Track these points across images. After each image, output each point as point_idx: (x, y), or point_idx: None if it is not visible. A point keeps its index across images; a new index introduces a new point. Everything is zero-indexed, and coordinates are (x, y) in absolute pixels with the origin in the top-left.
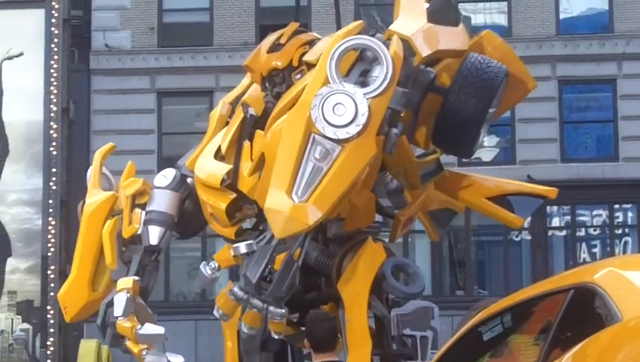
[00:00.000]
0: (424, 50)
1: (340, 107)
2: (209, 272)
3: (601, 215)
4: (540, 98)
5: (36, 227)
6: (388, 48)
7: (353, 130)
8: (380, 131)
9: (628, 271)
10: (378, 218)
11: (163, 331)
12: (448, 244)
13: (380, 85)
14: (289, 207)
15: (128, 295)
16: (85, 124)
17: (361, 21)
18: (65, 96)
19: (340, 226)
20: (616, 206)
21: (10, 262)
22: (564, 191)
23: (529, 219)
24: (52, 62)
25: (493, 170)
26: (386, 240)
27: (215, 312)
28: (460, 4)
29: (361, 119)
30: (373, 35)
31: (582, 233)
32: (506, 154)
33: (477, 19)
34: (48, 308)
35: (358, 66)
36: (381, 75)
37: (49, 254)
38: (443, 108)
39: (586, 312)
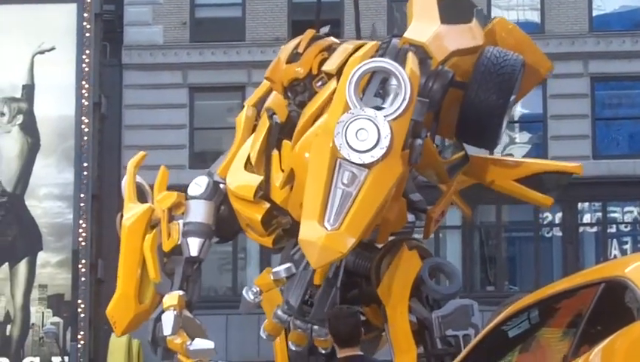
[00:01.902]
0: (440, 54)
1: (362, 132)
2: (252, 297)
3: (632, 211)
4: (572, 95)
5: (67, 221)
6: (403, 65)
7: (378, 153)
8: (405, 146)
9: None
10: (411, 218)
11: (213, 345)
12: (479, 240)
13: (400, 106)
14: (322, 236)
15: (175, 312)
16: (117, 119)
17: (375, 42)
18: (97, 91)
19: (375, 232)
20: None
21: (41, 256)
22: (595, 188)
23: (560, 215)
24: (84, 56)
25: None
26: (420, 235)
27: (262, 334)
28: (493, 0)
29: (385, 142)
30: (388, 42)
31: (613, 229)
32: (538, 150)
33: (510, 16)
34: (79, 301)
35: (377, 76)
36: (400, 95)
37: (80, 248)
38: (464, 104)
39: (616, 306)
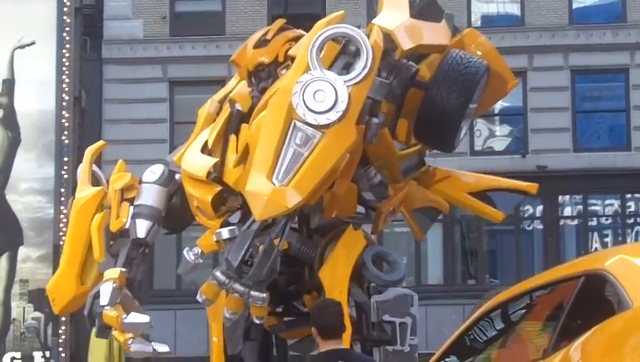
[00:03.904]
0: (406, 44)
1: (320, 94)
2: (192, 258)
3: (612, 204)
4: (553, 88)
5: (48, 216)
6: (368, 38)
7: (333, 116)
8: (361, 120)
9: (638, 259)
10: (361, 210)
11: (148, 319)
12: (460, 233)
13: (360, 73)
14: (269, 190)
15: (114, 285)
16: (97, 113)
17: (342, 11)
18: (77, 85)
19: (322, 217)
20: (628, 195)
21: (22, 251)
22: (576, 181)
23: (540, 208)
24: (64, 50)
25: (505, 160)
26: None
27: (198, 297)
28: None
29: (341, 106)
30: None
31: (594, 222)
32: (518, 143)
33: (490, 9)
34: None
35: (342, 59)
36: (361, 63)
37: (61, 243)
38: (424, 102)
39: (596, 299)
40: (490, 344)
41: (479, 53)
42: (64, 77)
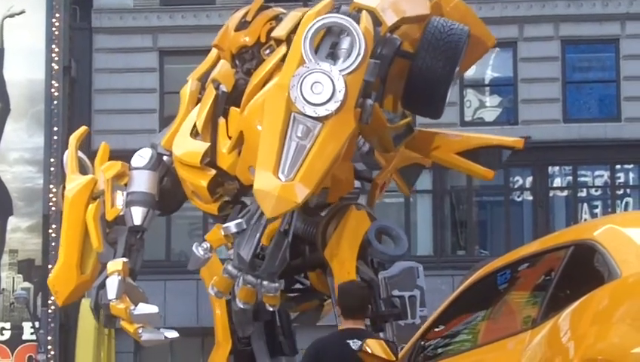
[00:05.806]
0: (390, 20)
1: (317, 85)
2: (201, 253)
3: (602, 175)
4: (543, 58)
5: (37, 186)
6: (358, 23)
7: (332, 106)
8: (357, 104)
9: (628, 228)
10: (357, 184)
11: (157, 310)
12: (450, 204)
13: (354, 61)
14: (277, 186)
15: (119, 277)
16: (87, 83)
17: (330, 0)
18: (66, 55)
19: (321, 196)
20: (618, 166)
21: (12, 221)
22: (565, 152)
23: (530, 179)
24: (54, 20)
25: (496, 130)
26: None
27: (210, 290)
28: None
29: (339, 95)
30: (338, 8)
31: (583, 193)
32: (509, 114)
33: None
34: (50, 266)
35: (327, 39)
36: (354, 51)
37: (50, 213)
38: (411, 73)
39: (585, 269)
40: (479, 314)
41: (456, 15)
42: (54, 46)
